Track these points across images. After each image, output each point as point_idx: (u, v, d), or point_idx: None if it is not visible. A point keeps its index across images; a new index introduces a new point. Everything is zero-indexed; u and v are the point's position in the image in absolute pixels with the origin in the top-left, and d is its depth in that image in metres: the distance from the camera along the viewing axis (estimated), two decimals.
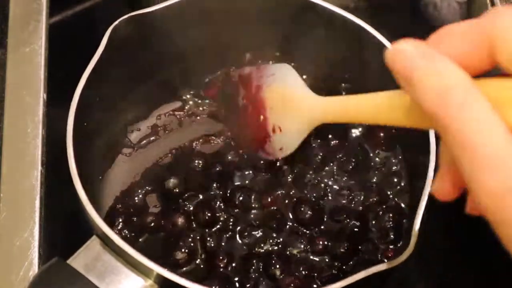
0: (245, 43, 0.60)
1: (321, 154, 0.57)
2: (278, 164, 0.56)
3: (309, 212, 0.54)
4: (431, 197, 0.47)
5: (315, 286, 0.51)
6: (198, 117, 0.61)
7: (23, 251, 0.44)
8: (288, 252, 0.53)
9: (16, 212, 0.45)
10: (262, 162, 0.56)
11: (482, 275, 0.56)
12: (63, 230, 0.53)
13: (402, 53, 0.29)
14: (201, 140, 0.60)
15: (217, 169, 0.56)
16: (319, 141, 0.58)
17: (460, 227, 0.57)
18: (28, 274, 0.43)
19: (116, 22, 0.52)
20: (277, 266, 0.51)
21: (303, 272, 0.52)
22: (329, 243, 0.53)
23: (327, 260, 0.53)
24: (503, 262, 0.57)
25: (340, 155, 0.57)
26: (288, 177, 0.56)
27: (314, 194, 0.55)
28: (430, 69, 0.28)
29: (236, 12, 0.58)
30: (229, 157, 0.57)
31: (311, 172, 0.56)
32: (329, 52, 0.58)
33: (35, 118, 0.49)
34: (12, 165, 0.47)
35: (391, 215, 0.54)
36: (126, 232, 0.53)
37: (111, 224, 0.52)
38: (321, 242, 0.53)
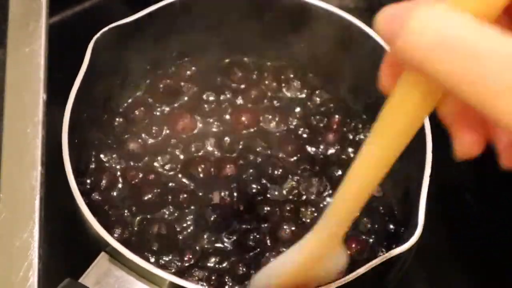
0: (238, 47, 0.61)
1: None
2: None
3: None
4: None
5: None
6: None
7: (23, 251, 0.44)
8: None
9: (16, 213, 0.45)
10: None
11: (483, 276, 0.56)
12: (64, 230, 0.53)
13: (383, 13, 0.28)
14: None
15: None
16: None
17: (461, 227, 0.57)
18: (28, 275, 0.43)
19: (98, 35, 0.52)
20: None
21: None
22: None
23: None
24: (504, 262, 0.57)
25: None
26: None
27: None
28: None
29: (224, 14, 0.58)
30: None
31: None
32: (325, 52, 0.58)
33: (35, 118, 0.48)
34: (11, 166, 0.46)
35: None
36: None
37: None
38: None
